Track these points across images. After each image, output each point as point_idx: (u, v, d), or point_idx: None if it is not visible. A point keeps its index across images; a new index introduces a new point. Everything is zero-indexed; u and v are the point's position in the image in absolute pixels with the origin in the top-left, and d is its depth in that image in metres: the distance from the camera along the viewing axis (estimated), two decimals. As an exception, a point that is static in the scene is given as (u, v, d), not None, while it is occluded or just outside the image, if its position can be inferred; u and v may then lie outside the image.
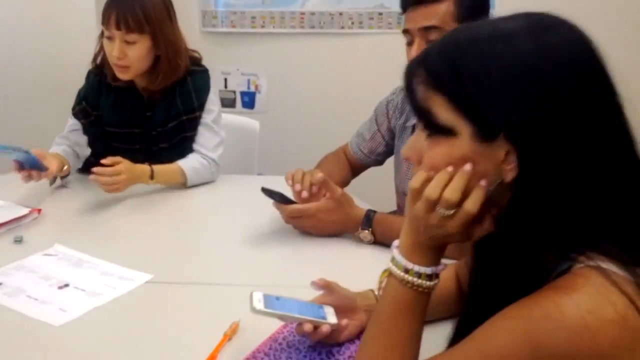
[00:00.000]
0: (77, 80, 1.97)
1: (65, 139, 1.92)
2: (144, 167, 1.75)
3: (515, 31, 0.72)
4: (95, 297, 1.21)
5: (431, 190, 0.75)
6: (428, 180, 0.76)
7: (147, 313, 1.19)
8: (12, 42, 2.81)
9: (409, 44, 1.49)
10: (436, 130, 0.75)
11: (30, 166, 1.63)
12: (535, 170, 0.70)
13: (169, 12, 1.80)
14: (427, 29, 1.45)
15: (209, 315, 1.15)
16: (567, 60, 0.70)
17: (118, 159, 1.67)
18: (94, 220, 1.64)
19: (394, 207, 1.86)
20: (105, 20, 1.72)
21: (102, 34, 1.79)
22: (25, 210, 1.58)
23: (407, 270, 0.80)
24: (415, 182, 0.77)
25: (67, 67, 2.76)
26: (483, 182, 0.73)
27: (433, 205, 0.75)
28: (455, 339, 0.86)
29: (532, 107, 0.69)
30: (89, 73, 1.93)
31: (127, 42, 1.72)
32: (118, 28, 1.70)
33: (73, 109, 1.95)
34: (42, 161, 1.64)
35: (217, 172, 1.92)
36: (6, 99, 2.85)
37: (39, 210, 1.61)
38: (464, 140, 0.73)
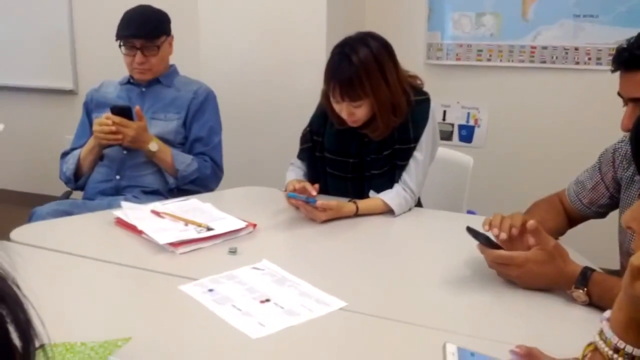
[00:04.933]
0: (306, 105, 2.12)
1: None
2: (351, 207, 1.85)
3: None
4: (292, 317, 1.25)
5: None
6: None
7: (336, 340, 1.19)
8: (252, 73, 3.11)
9: (625, 104, 1.39)
10: None
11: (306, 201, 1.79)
12: None
13: (383, 68, 1.84)
14: (637, 100, 1.34)
15: (395, 354, 1.12)
16: None
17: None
18: (301, 240, 1.72)
19: (617, 266, 1.66)
20: (330, 92, 1.86)
21: (324, 91, 1.94)
22: (243, 224, 1.70)
23: (617, 350, 0.70)
24: (638, 259, 0.67)
25: (297, 95, 2.98)
26: None
27: None
28: None
29: None
30: (321, 102, 2.06)
31: (354, 106, 1.85)
32: (343, 100, 1.83)
33: (303, 131, 2.10)
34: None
35: (413, 203, 1.95)
36: (244, 123, 3.15)
37: (255, 225, 1.72)
38: None
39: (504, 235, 1.35)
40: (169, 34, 2.38)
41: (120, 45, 2.30)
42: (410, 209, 1.93)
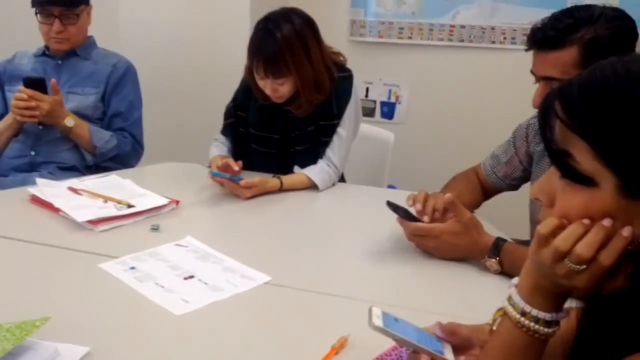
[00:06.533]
0: (230, 80, 2.10)
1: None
2: (275, 182, 1.86)
3: None
4: (216, 292, 1.25)
5: (562, 242, 0.68)
6: (559, 228, 0.69)
7: (261, 314, 1.21)
8: (174, 46, 3.04)
9: (537, 82, 1.45)
10: (573, 177, 0.67)
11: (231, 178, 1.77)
12: None
13: (307, 45, 1.84)
14: (548, 78, 1.40)
15: (319, 325, 1.15)
16: None
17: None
18: (225, 217, 1.72)
19: (527, 237, 1.75)
20: (254, 68, 1.85)
21: (247, 67, 1.92)
22: (165, 201, 1.68)
23: (524, 313, 0.74)
24: (544, 227, 0.70)
25: (220, 69, 2.93)
26: (626, 232, 0.65)
27: (562, 256, 0.68)
28: None
29: None
30: (244, 78, 2.03)
31: (278, 83, 1.84)
32: (267, 76, 1.83)
33: (227, 106, 2.08)
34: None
35: (337, 178, 1.98)
36: (166, 98, 3.07)
37: (177, 202, 1.70)
38: (606, 193, 0.65)
39: (426, 219, 1.41)
40: (88, 3, 2.28)
41: (36, 13, 2.19)
42: (333, 184, 1.96)
